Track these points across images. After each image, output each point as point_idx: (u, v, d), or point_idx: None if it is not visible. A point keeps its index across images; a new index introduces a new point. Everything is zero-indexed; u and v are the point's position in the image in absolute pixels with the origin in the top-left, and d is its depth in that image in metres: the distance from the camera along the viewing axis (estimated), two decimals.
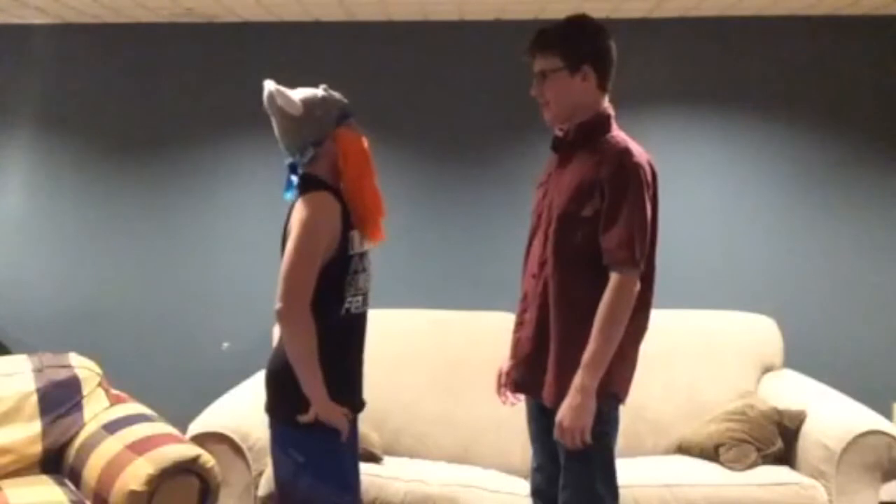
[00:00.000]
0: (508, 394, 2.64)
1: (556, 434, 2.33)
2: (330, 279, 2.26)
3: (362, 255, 2.35)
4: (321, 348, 2.25)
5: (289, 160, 2.39)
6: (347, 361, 2.37)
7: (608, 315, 2.28)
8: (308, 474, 2.27)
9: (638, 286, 2.32)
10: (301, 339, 2.23)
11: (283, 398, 2.30)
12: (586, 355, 2.28)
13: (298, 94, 2.35)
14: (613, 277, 2.29)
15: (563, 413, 2.30)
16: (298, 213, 2.26)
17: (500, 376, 2.66)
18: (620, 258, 2.29)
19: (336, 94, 2.39)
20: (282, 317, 2.23)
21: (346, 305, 2.31)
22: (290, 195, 2.38)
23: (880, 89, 4.12)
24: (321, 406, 2.25)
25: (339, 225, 2.27)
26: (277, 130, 2.38)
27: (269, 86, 2.33)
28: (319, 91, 2.38)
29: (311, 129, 2.32)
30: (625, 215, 2.29)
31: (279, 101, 2.30)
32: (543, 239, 2.45)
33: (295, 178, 2.37)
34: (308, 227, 2.23)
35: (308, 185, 2.31)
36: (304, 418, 2.25)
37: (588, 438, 2.30)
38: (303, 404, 2.26)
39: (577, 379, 2.29)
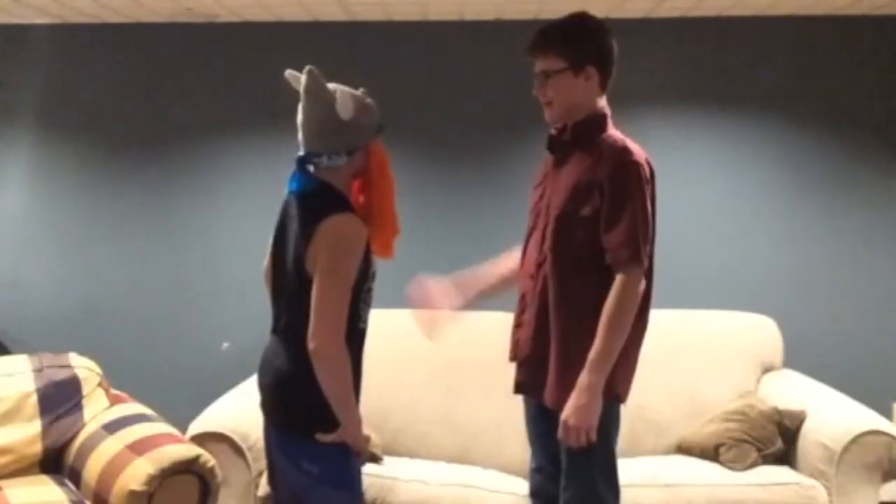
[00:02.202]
0: None
1: (560, 433, 2.32)
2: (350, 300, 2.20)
3: (374, 274, 2.29)
4: None
5: (301, 154, 2.25)
6: (354, 378, 2.31)
7: (614, 314, 2.27)
8: (322, 485, 2.23)
9: (643, 285, 2.32)
10: (340, 374, 2.17)
11: (295, 411, 2.25)
12: (592, 355, 2.28)
13: (344, 92, 2.21)
14: (619, 277, 2.28)
15: (569, 412, 2.29)
16: (330, 239, 2.14)
17: None
18: (624, 257, 2.28)
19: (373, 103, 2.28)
20: (319, 354, 2.14)
21: (357, 322, 2.26)
22: (295, 188, 2.25)
23: (880, 89, 4.12)
24: (353, 435, 2.22)
25: (364, 248, 2.21)
26: (311, 124, 2.22)
27: (315, 73, 2.19)
28: (361, 95, 2.26)
29: (353, 136, 2.21)
30: (627, 214, 2.28)
31: (338, 99, 2.17)
32: (540, 239, 2.44)
33: (305, 176, 2.24)
34: (342, 258, 2.15)
35: (332, 205, 2.19)
36: (325, 438, 2.20)
37: (594, 437, 2.30)
38: (316, 417, 2.20)
39: (584, 378, 2.28)
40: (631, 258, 2.28)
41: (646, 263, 2.32)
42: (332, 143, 2.21)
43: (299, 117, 2.25)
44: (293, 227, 2.25)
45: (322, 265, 2.15)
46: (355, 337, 2.26)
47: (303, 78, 2.22)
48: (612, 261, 2.30)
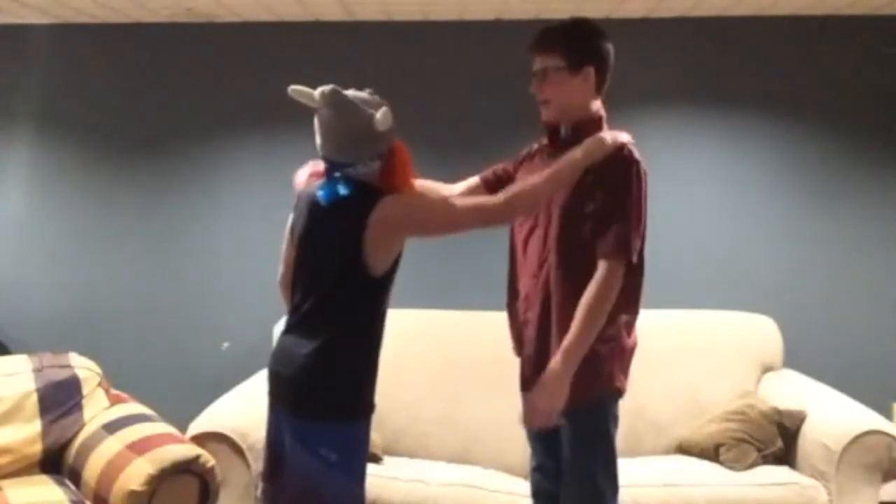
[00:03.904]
0: None
1: (524, 414, 2.37)
2: (384, 280, 2.28)
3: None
4: (369, 347, 2.32)
5: (328, 163, 2.30)
6: (378, 359, 2.39)
7: (596, 304, 2.29)
8: (339, 472, 2.26)
9: (621, 278, 2.33)
10: (537, 192, 2.32)
11: (319, 398, 2.27)
12: (568, 342, 2.29)
13: (374, 103, 2.28)
14: (602, 268, 2.30)
15: (539, 394, 2.32)
16: (397, 210, 2.24)
17: None
18: (614, 248, 2.30)
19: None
20: (518, 205, 2.32)
21: (384, 304, 2.34)
22: (327, 197, 2.28)
23: (880, 89, 4.12)
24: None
25: None
26: (344, 136, 2.26)
27: (340, 92, 2.24)
28: (382, 101, 2.30)
29: (384, 141, 2.29)
30: (623, 208, 2.32)
31: (378, 117, 2.23)
32: (543, 238, 2.45)
33: (336, 183, 2.28)
34: (417, 205, 2.31)
35: (377, 195, 2.26)
36: None
37: (559, 421, 2.33)
38: (338, 404, 2.26)
39: (557, 364, 2.29)
40: (620, 250, 2.31)
41: (634, 258, 2.34)
42: (367, 152, 2.27)
43: (321, 127, 2.29)
44: (329, 228, 2.29)
45: (410, 222, 2.29)
46: (383, 320, 2.34)
47: (329, 97, 2.26)
48: (603, 251, 2.32)
